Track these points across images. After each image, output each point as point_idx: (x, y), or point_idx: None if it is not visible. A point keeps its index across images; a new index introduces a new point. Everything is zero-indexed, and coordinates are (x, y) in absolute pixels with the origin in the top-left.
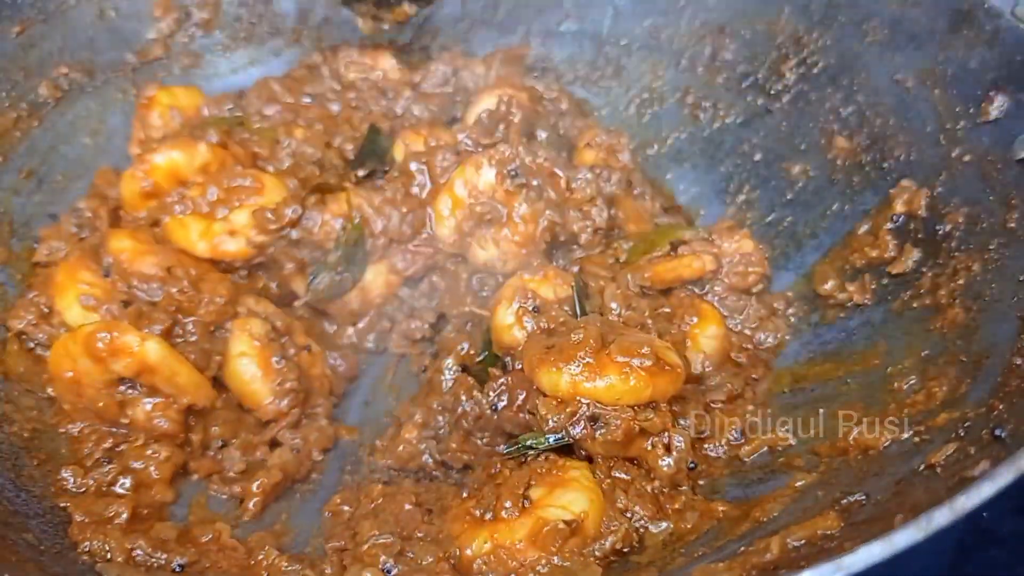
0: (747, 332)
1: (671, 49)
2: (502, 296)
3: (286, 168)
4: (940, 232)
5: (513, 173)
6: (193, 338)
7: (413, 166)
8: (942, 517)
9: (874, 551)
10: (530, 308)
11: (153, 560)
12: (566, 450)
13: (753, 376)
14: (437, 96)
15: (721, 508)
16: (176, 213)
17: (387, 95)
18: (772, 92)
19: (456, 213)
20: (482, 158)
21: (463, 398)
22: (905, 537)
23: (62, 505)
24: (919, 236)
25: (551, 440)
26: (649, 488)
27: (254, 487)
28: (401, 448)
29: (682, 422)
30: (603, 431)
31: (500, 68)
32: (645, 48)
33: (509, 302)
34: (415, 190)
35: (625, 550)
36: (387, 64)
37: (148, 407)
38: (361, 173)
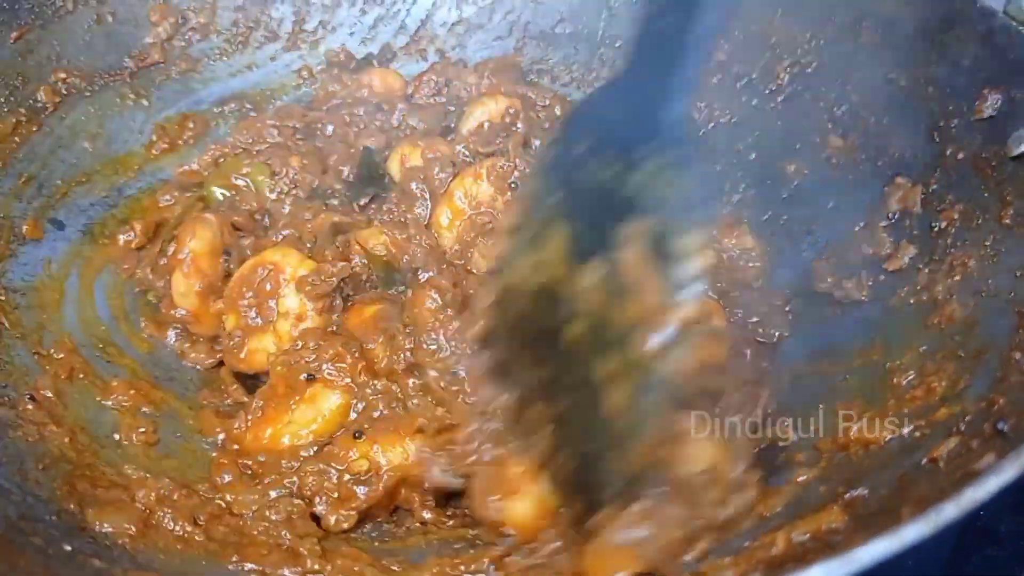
0: (748, 327)
1: None
2: None
3: (287, 237)
4: (936, 228)
5: (513, 185)
6: None
7: (413, 185)
8: (949, 512)
9: (882, 546)
10: None
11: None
12: None
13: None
14: (430, 107)
15: None
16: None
17: (381, 108)
18: (766, 92)
19: (456, 223)
20: (480, 169)
21: None
22: (914, 531)
23: (70, 508)
24: (915, 232)
25: None
26: None
27: None
28: None
29: None
30: None
31: (492, 76)
32: None
33: None
34: (419, 210)
35: None
36: (373, 80)
37: None
38: (363, 202)
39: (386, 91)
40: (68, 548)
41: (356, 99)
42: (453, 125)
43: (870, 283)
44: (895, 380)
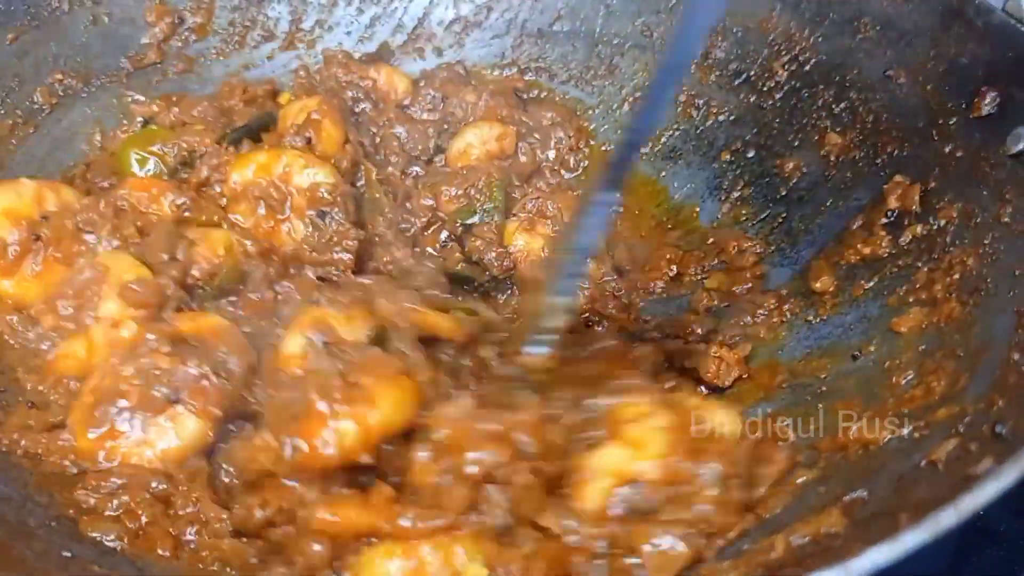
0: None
1: (664, 48)
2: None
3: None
4: (935, 227)
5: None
6: None
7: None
8: (947, 519)
9: (881, 553)
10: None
11: None
12: None
13: None
14: (420, 123)
15: None
16: None
17: (373, 102)
18: (764, 89)
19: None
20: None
21: None
22: (912, 538)
23: (69, 514)
24: (914, 231)
25: None
26: None
27: None
28: None
29: None
30: None
31: (490, 99)
32: (638, 47)
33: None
34: None
35: None
36: (379, 75)
37: None
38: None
39: (388, 89)
40: (67, 554)
41: (352, 84)
42: (444, 145)
43: (869, 282)
44: (895, 380)
